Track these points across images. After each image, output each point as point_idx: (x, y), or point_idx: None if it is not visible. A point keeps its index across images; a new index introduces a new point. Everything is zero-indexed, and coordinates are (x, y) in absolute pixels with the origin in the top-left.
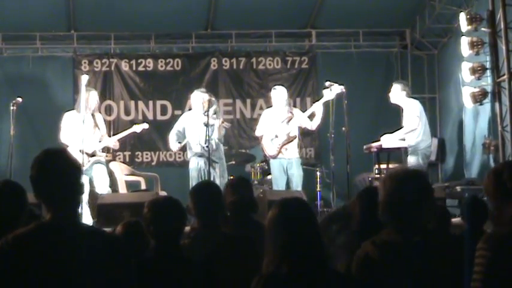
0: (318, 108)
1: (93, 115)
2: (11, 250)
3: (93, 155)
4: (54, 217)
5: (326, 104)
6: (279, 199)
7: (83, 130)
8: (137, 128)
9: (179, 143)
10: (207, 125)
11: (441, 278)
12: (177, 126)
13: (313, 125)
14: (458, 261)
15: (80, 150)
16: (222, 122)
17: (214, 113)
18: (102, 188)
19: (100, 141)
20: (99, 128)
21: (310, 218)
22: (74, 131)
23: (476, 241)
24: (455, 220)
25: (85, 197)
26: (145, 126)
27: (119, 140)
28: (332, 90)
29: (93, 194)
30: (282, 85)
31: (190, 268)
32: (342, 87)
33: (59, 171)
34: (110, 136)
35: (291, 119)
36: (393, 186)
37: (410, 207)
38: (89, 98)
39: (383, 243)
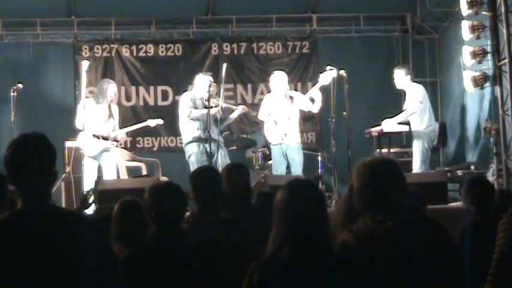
0: (315, 93)
1: (109, 105)
2: None
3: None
4: (26, 204)
5: (325, 89)
6: (289, 181)
7: (85, 114)
8: (151, 123)
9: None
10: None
11: (415, 263)
12: (189, 104)
13: (315, 108)
14: (433, 245)
15: (95, 135)
16: (246, 109)
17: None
18: (110, 175)
19: (113, 131)
20: (113, 118)
21: (320, 201)
22: (88, 117)
23: (483, 221)
24: (456, 204)
25: (92, 184)
26: (160, 122)
27: (130, 132)
28: (327, 75)
29: (100, 181)
30: (282, 70)
31: (191, 253)
32: (335, 70)
33: (33, 156)
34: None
35: (291, 104)
36: (365, 174)
37: (382, 193)
38: (108, 89)
39: (358, 230)
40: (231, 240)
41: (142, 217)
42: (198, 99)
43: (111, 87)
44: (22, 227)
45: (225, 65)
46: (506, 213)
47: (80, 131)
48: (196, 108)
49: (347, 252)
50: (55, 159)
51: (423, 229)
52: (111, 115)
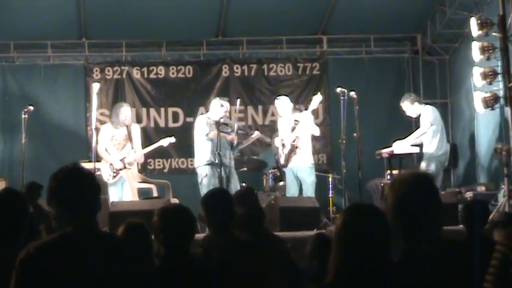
0: (305, 117)
1: (128, 128)
2: (34, 260)
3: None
4: (76, 227)
5: (335, 109)
6: (350, 205)
7: (104, 141)
8: (164, 142)
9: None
10: (236, 134)
11: (451, 286)
12: (206, 125)
13: (315, 131)
14: (472, 267)
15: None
16: (260, 134)
17: (240, 129)
18: (129, 198)
19: (134, 153)
20: (132, 141)
21: (382, 230)
22: (106, 144)
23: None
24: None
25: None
26: (172, 140)
27: (147, 153)
28: (314, 100)
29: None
30: (291, 92)
31: (200, 276)
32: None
33: (83, 188)
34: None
35: (295, 127)
36: (397, 193)
37: (415, 214)
38: (120, 112)
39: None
40: (244, 261)
41: (148, 240)
42: (212, 123)
43: (123, 110)
44: (69, 249)
45: (238, 101)
46: (496, 249)
47: (101, 158)
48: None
49: None
50: (99, 189)
51: (461, 252)
52: (129, 138)
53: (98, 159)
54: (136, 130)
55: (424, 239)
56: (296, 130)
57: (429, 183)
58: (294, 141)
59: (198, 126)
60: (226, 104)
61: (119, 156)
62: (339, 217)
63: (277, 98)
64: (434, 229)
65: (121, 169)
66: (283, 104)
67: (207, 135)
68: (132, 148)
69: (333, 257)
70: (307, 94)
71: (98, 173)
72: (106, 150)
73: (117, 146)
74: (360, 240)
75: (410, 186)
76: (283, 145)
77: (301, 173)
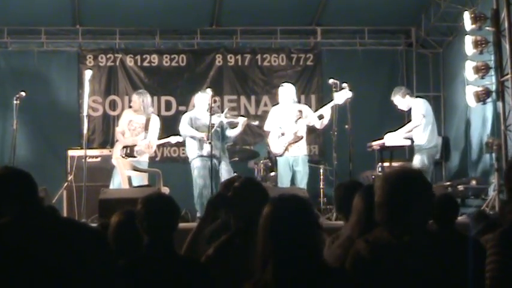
0: (326, 111)
1: (147, 117)
2: None
3: (131, 155)
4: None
5: (326, 101)
6: (275, 196)
7: (123, 126)
8: (172, 140)
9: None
10: (222, 125)
11: (435, 279)
12: (187, 121)
13: (320, 125)
14: (456, 261)
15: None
16: (248, 121)
17: (223, 113)
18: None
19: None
20: (146, 130)
21: (305, 220)
22: (124, 128)
23: (445, 238)
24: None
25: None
26: (180, 139)
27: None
28: (342, 95)
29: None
30: (287, 82)
31: (183, 264)
32: (347, 90)
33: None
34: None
35: (299, 118)
36: (386, 190)
37: (402, 209)
38: (132, 99)
39: (374, 242)
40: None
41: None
42: (198, 117)
43: (133, 97)
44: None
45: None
46: (494, 236)
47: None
48: (196, 126)
49: (360, 262)
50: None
51: (443, 244)
52: (145, 128)
53: (89, 146)
54: (154, 121)
55: (408, 231)
56: (301, 121)
57: (414, 181)
58: (297, 132)
59: (181, 123)
60: (209, 96)
61: (132, 142)
62: (265, 208)
63: (282, 84)
64: (419, 222)
65: (131, 155)
66: (287, 91)
67: (183, 135)
68: (145, 138)
69: (258, 246)
70: (300, 85)
71: (91, 160)
72: (123, 134)
73: (131, 132)
74: (282, 231)
75: (396, 185)
76: (282, 134)
77: (297, 163)
